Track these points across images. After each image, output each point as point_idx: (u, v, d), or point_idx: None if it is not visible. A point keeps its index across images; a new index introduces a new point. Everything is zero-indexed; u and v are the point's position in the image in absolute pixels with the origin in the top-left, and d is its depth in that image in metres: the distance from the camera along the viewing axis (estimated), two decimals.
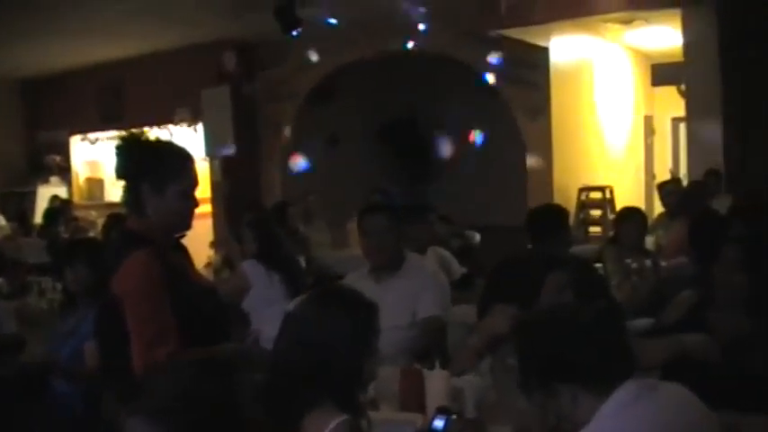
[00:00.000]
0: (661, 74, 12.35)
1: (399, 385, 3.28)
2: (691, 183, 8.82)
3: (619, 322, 2.38)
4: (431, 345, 4.00)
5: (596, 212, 11.22)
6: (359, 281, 4.45)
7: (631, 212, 6.04)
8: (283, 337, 2.47)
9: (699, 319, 3.50)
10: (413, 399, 3.18)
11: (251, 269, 5.31)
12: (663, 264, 5.78)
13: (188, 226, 3.18)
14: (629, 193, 12.05)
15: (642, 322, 4.35)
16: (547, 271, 3.66)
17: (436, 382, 3.12)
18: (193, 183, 3.13)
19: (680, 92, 10.86)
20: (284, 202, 8.60)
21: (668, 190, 8.61)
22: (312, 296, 2.60)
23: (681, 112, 10.60)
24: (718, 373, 3.09)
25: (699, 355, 3.19)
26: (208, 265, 6.55)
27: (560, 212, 4.93)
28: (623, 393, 2.12)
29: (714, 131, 9.43)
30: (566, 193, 10.68)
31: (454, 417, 2.73)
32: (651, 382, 2.24)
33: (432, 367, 3.19)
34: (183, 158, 3.12)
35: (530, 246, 4.66)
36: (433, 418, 2.66)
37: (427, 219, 5.95)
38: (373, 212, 4.47)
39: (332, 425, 2.23)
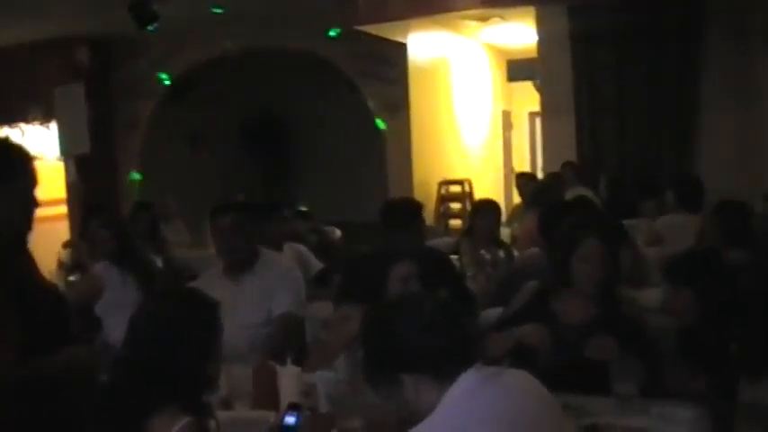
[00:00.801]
0: (516, 70, 12.68)
1: (252, 383, 3.25)
2: (546, 174, 9.04)
3: (462, 311, 2.40)
4: (287, 341, 3.98)
5: (456, 206, 11.41)
6: (213, 280, 4.41)
7: (485, 205, 6.15)
8: (127, 339, 2.41)
9: (542, 307, 3.61)
10: (265, 396, 3.16)
11: (104, 271, 5.16)
12: (516, 254, 5.91)
13: (28, 227, 3.07)
14: (488, 186, 12.31)
15: (495, 312, 4.44)
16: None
17: (288, 379, 3.11)
18: (32, 183, 3.02)
19: (536, 87, 11.15)
20: (149, 203, 8.31)
21: (524, 181, 8.84)
22: (154, 296, 2.55)
23: (537, 107, 10.90)
24: (557, 360, 3.21)
25: (532, 343, 3.30)
26: (59, 266, 6.34)
27: (414, 205, 4.98)
28: (465, 382, 2.14)
29: (568, 125, 9.70)
30: (426, 188, 10.82)
31: (306, 413, 2.72)
32: (495, 370, 2.26)
33: (284, 364, 3.18)
34: (20, 158, 3.00)
35: (385, 240, 4.69)
36: (284, 415, 2.64)
37: (283, 215, 5.90)
38: (223, 211, 4.41)
39: (176, 428, 2.18)
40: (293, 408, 2.65)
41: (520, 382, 2.27)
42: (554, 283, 3.66)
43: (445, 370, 2.15)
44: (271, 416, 2.95)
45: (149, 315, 2.39)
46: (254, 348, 3.92)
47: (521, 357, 3.25)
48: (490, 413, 2.10)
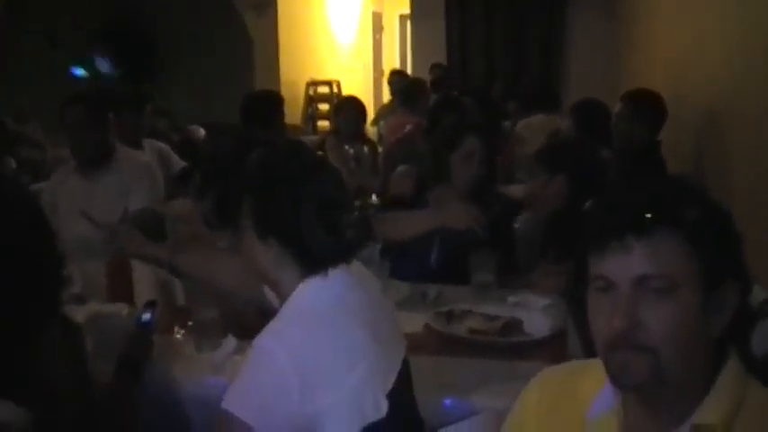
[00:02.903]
0: None
1: (106, 277, 3.16)
2: (434, 76, 8.96)
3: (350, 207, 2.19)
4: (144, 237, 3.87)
5: (324, 107, 11.31)
6: (65, 177, 4.26)
7: (347, 102, 6.15)
8: None
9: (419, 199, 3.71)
10: (120, 290, 3.08)
11: None
12: (380, 150, 5.95)
13: None
14: (357, 87, 12.23)
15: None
16: None
17: (143, 271, 3.04)
18: None
19: None
20: None
21: (397, 79, 8.86)
22: None
23: (408, 9, 10.80)
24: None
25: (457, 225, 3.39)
26: None
27: (275, 98, 4.91)
28: (332, 277, 1.98)
29: (438, 29, 9.65)
30: (293, 88, 10.68)
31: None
32: (356, 269, 2.15)
33: None
34: None
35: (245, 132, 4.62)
36: (140, 313, 2.55)
37: (141, 110, 5.66)
38: (73, 103, 4.15)
39: None
40: (149, 305, 2.58)
41: (371, 281, 2.22)
42: (432, 178, 3.74)
43: (315, 263, 1.98)
44: (123, 308, 2.89)
45: None
46: (110, 246, 3.79)
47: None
48: (346, 304, 1.99)
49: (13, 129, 7.39)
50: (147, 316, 2.50)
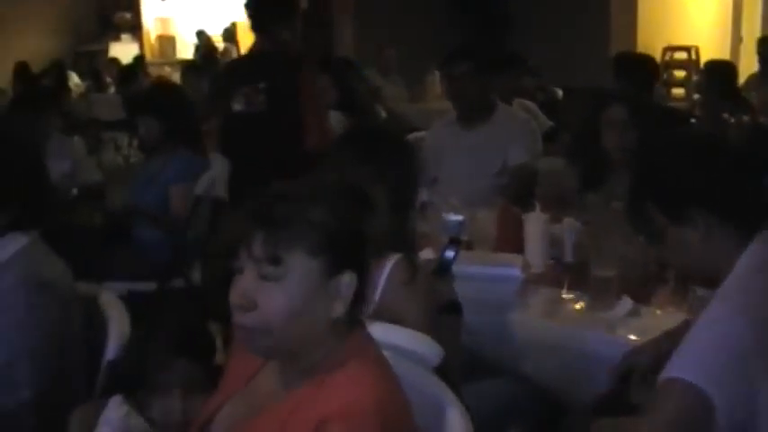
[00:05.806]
0: None
1: (497, 223, 3.24)
2: None
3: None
4: (522, 192, 3.91)
5: (680, 73, 10.85)
6: (446, 127, 4.45)
7: (719, 63, 5.86)
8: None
9: None
10: (510, 239, 3.11)
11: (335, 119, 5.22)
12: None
13: None
14: (716, 53, 11.56)
15: None
16: None
17: (535, 224, 3.04)
18: None
19: None
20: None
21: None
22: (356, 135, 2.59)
23: None
24: None
25: None
26: None
27: (651, 62, 4.91)
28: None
29: None
30: (650, 53, 10.26)
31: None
32: None
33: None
34: None
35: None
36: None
37: (514, 70, 5.72)
38: (459, 58, 4.30)
39: (389, 263, 2.22)
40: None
41: None
42: None
43: (747, 219, 1.86)
44: (518, 259, 2.91)
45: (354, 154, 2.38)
46: (489, 197, 3.87)
47: None
48: None
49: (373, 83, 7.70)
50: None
